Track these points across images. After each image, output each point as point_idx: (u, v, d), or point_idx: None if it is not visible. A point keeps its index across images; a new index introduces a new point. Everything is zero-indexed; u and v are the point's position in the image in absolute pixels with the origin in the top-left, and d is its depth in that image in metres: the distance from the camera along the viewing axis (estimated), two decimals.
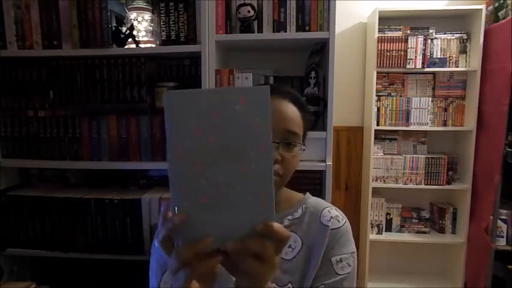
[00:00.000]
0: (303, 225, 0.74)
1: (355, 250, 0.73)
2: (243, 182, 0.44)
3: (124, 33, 1.39)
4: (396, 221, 2.32)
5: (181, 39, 1.35)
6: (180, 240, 0.45)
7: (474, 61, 2.10)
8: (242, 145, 0.43)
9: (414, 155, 2.23)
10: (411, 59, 2.13)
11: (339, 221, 0.74)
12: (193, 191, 0.44)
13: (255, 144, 0.43)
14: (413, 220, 2.31)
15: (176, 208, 0.44)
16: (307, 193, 0.81)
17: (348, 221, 0.75)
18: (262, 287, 0.46)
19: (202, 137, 0.43)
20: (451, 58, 2.15)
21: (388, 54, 2.13)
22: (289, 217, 0.75)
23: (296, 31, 1.36)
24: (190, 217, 0.44)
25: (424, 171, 2.21)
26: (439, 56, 2.15)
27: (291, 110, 0.70)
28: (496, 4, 2.06)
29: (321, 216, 0.74)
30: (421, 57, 2.12)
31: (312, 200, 0.79)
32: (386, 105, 2.23)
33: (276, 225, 0.44)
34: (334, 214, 0.75)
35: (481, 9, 2.01)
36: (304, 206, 0.77)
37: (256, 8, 1.36)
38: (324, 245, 0.70)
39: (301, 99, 0.74)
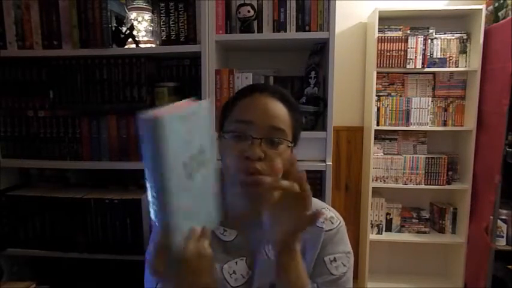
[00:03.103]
0: None
1: (350, 250, 0.73)
2: (204, 187, 0.54)
3: (124, 33, 1.39)
4: (396, 221, 2.32)
5: (181, 39, 1.35)
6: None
7: (474, 61, 2.10)
8: (203, 157, 0.53)
9: (414, 155, 2.23)
10: (411, 59, 2.12)
11: (333, 223, 0.73)
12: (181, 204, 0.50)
13: (207, 155, 0.54)
14: (413, 220, 2.31)
15: (169, 223, 0.49)
16: None
17: (343, 222, 0.75)
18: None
19: (178, 154, 0.48)
20: (451, 58, 2.15)
21: (388, 54, 2.12)
22: None
23: (296, 31, 1.35)
24: (181, 226, 0.50)
25: (424, 171, 2.21)
26: (439, 56, 2.15)
27: (278, 108, 0.69)
28: (496, 4, 2.06)
29: None
30: (421, 57, 2.12)
31: None
32: (386, 105, 2.23)
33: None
34: (329, 215, 0.74)
35: (481, 9, 2.01)
36: None
37: (256, 8, 1.35)
38: (317, 247, 0.70)
39: (291, 99, 0.74)
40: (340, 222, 0.74)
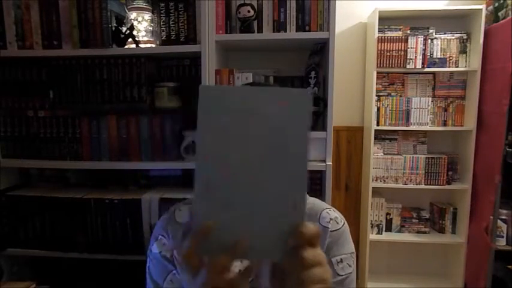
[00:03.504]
0: None
1: (354, 250, 0.73)
2: (273, 187, 0.42)
3: (124, 33, 1.39)
4: (396, 221, 2.32)
5: (181, 39, 1.35)
6: (203, 248, 0.42)
7: (474, 61, 2.10)
8: (275, 149, 0.42)
9: (414, 155, 2.23)
10: (411, 59, 2.12)
11: (337, 223, 0.73)
12: (221, 191, 0.42)
13: (289, 149, 0.42)
14: (413, 220, 2.31)
15: (199, 208, 0.42)
16: None
17: (346, 222, 0.75)
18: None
19: (235, 136, 0.41)
20: (451, 58, 2.15)
21: (388, 54, 2.12)
22: None
23: (296, 31, 1.36)
24: (215, 218, 0.42)
25: (424, 171, 2.21)
26: (439, 56, 2.15)
27: None
28: (496, 4, 2.06)
29: (320, 218, 0.73)
30: (421, 57, 2.12)
31: (309, 200, 0.78)
32: (386, 105, 2.23)
33: (308, 230, 0.42)
34: (333, 216, 0.74)
35: (481, 9, 2.01)
36: None
37: (256, 8, 1.36)
38: (323, 248, 0.69)
39: None
40: (344, 223, 0.74)
